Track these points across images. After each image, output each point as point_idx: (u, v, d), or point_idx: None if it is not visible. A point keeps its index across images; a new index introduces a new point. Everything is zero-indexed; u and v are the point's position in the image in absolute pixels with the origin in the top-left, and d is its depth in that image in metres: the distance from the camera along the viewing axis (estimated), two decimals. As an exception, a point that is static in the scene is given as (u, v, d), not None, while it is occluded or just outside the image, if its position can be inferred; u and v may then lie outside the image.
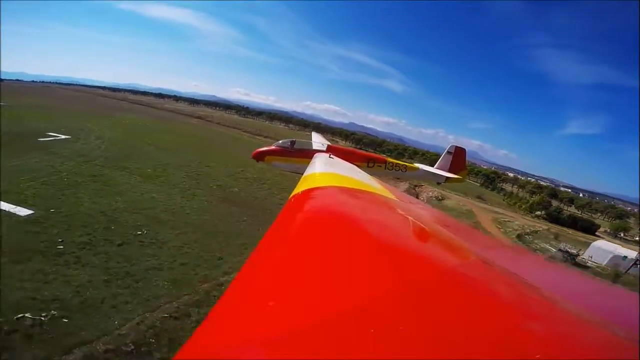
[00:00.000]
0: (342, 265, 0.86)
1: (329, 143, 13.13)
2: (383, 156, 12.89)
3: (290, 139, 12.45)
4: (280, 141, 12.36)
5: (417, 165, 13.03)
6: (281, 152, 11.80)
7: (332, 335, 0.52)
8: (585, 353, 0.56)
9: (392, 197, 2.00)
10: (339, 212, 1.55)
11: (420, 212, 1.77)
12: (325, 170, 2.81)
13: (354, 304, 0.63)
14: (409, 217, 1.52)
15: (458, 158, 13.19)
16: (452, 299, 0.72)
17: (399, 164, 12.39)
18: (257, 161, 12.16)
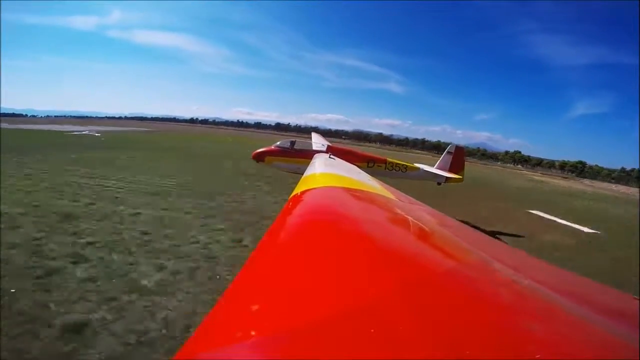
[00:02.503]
0: (342, 266, 0.86)
1: (329, 143, 13.12)
2: (384, 157, 12.89)
3: (290, 139, 12.45)
4: (279, 142, 12.36)
5: (417, 165, 13.03)
6: (281, 153, 11.80)
7: (333, 335, 0.52)
8: (585, 353, 0.56)
9: (392, 197, 2.00)
10: (338, 213, 1.55)
11: (420, 212, 1.77)
12: (325, 171, 2.81)
13: (354, 304, 0.63)
14: (409, 218, 1.52)
15: (458, 158, 13.19)
16: (452, 299, 0.72)
17: (399, 164, 12.40)
18: (257, 162, 12.16)
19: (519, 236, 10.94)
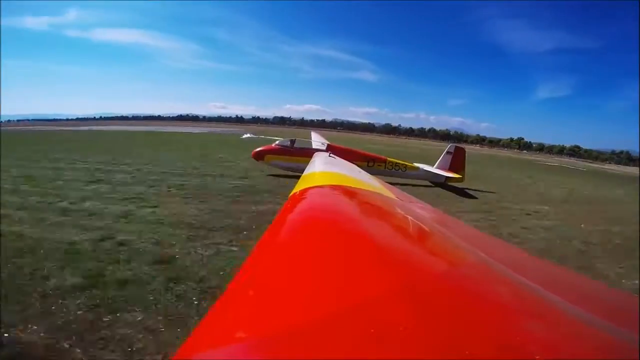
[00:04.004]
0: (342, 265, 0.86)
1: (328, 142, 13.12)
2: (383, 156, 12.88)
3: (290, 138, 12.45)
4: (279, 140, 12.34)
5: (417, 165, 13.02)
6: (281, 151, 11.81)
7: (333, 334, 0.52)
8: (584, 354, 0.56)
9: (392, 196, 2.00)
10: (338, 212, 1.55)
11: (421, 211, 1.76)
12: (325, 169, 2.80)
13: (353, 303, 0.63)
14: (409, 217, 1.51)
15: (457, 158, 13.17)
16: (452, 299, 0.72)
17: (398, 163, 12.41)
18: (257, 160, 12.15)
19: (490, 192, 12.13)
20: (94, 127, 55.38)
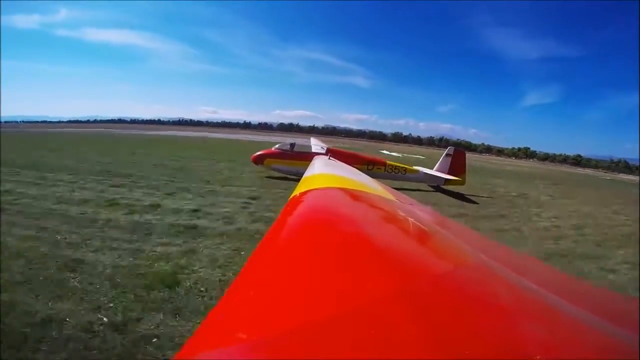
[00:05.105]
0: (342, 267, 0.86)
1: (328, 146, 13.14)
2: (383, 159, 12.88)
3: (290, 142, 12.46)
4: (279, 144, 12.35)
5: (416, 168, 13.01)
6: (281, 155, 11.82)
7: (333, 335, 0.52)
8: (584, 355, 0.56)
9: (392, 198, 2.00)
10: (338, 213, 1.55)
11: (421, 213, 1.77)
12: (324, 172, 2.81)
13: (354, 305, 0.63)
14: (409, 219, 1.51)
15: (457, 160, 13.15)
16: (451, 301, 0.72)
17: (398, 166, 12.41)
18: (257, 164, 12.16)
19: (489, 197, 12.34)
20: (149, 132, 52.62)
